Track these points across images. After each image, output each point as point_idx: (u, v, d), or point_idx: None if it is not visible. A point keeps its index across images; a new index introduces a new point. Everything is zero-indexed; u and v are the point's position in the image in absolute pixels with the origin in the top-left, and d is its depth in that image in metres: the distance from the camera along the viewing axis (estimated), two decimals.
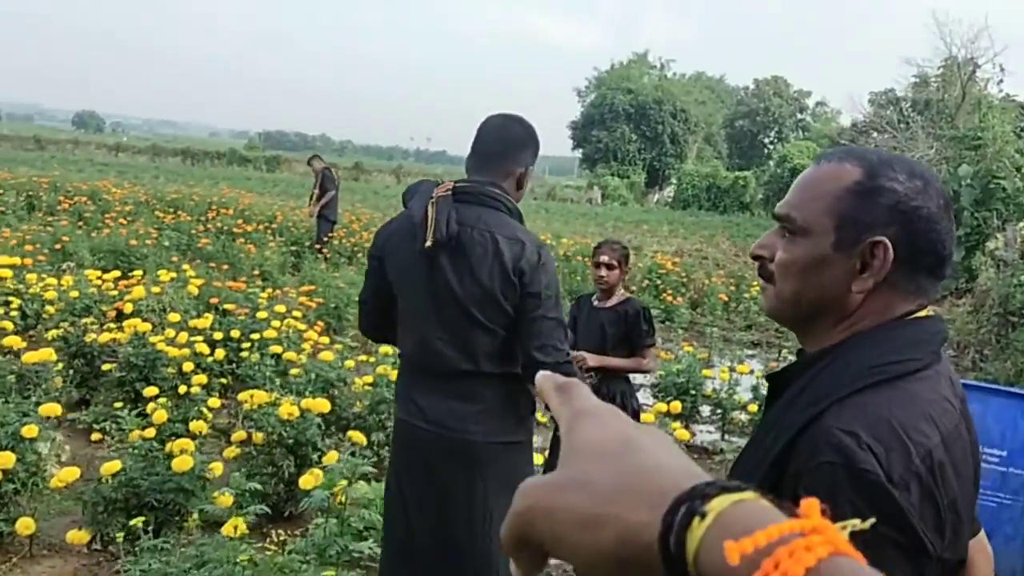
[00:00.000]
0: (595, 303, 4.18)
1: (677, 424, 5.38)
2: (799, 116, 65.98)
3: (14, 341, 4.99)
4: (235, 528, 3.00)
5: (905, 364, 1.13)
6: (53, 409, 3.90)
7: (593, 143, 51.10)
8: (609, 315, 4.09)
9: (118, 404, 5.11)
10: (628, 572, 0.45)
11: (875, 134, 31.85)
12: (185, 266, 8.13)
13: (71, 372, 5.71)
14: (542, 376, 0.58)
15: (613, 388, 3.99)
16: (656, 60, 60.69)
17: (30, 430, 3.67)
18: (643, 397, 7.64)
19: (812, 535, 0.39)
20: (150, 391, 4.72)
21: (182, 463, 3.51)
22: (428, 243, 2.42)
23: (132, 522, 3.12)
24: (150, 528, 3.59)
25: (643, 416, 5.36)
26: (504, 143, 2.55)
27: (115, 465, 3.51)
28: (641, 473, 0.46)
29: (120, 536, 3.21)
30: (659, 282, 12.78)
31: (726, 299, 12.65)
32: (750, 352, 10.54)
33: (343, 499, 3.54)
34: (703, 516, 0.42)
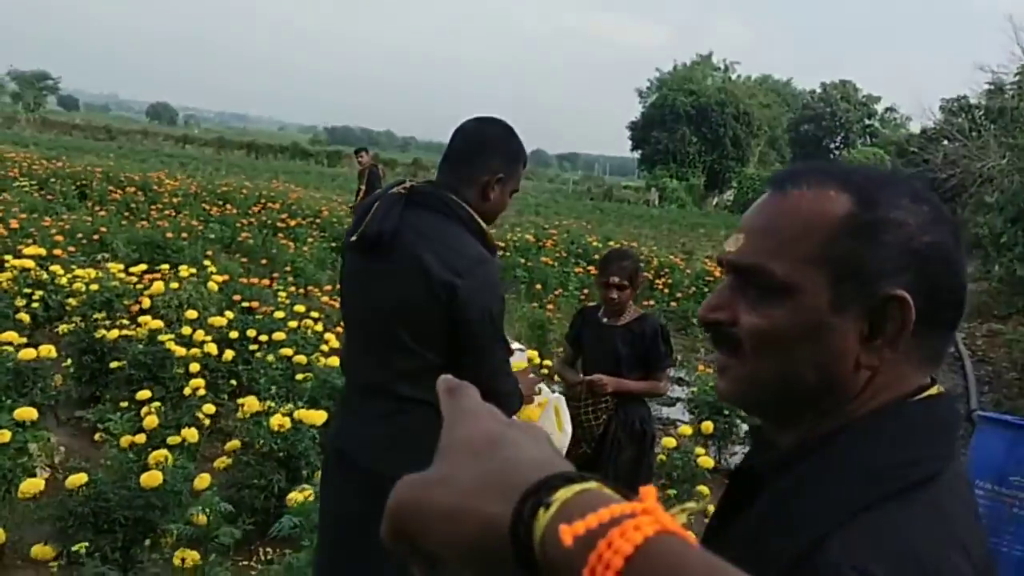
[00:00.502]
0: (605, 320, 3.77)
1: (702, 449, 5.00)
2: (867, 122, 64.12)
3: (11, 336, 4.85)
4: (182, 560, 2.74)
5: (924, 466, 0.82)
6: (27, 413, 3.72)
7: (653, 144, 50.38)
8: (624, 334, 3.69)
9: (124, 403, 4.97)
10: (489, 563, 0.47)
11: (945, 142, 30.74)
12: (207, 262, 7.98)
13: (80, 369, 5.59)
14: (440, 379, 0.61)
15: (631, 413, 3.64)
16: (720, 62, 59.56)
17: (2, 435, 3.49)
18: (677, 412, 7.30)
19: (642, 516, 0.42)
20: (143, 394, 4.53)
21: (151, 479, 3.29)
22: (353, 238, 2.19)
23: (76, 546, 2.89)
24: (117, 547, 3.41)
25: (668, 439, 5.02)
26: (471, 147, 2.28)
27: (81, 478, 3.31)
28: (501, 469, 0.49)
29: (80, 548, 2.99)
30: (706, 289, 12.31)
31: None
32: None
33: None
34: (548, 506, 0.45)
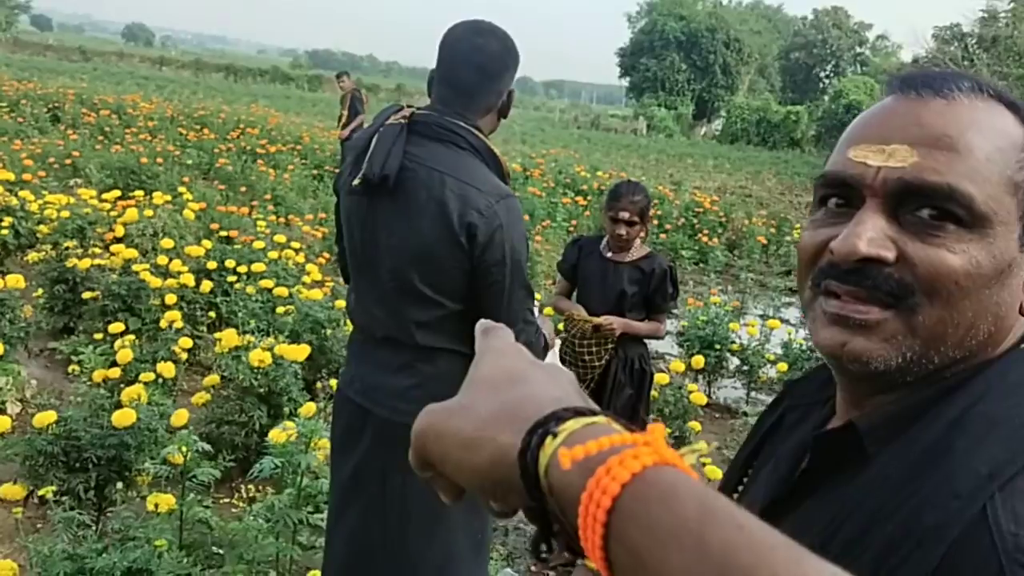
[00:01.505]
0: (609, 255, 3.50)
1: (694, 386, 4.90)
2: (858, 50, 63.22)
3: None
4: (155, 506, 2.60)
5: None
6: None
7: (641, 71, 49.54)
8: (631, 272, 3.45)
9: (98, 335, 4.79)
10: (500, 490, 0.49)
11: (936, 71, 30.31)
12: (182, 189, 7.71)
13: (51, 299, 5.39)
14: (479, 322, 0.64)
15: (631, 352, 3.47)
16: None
17: None
18: (666, 346, 7.19)
19: (642, 447, 0.43)
20: (116, 327, 4.36)
21: (124, 417, 3.13)
22: (355, 181, 1.95)
23: (43, 491, 2.74)
24: (90, 487, 3.27)
25: (661, 375, 4.90)
26: (481, 71, 2.01)
27: (49, 416, 3.14)
28: (518, 402, 0.50)
29: (47, 492, 2.84)
30: (695, 221, 12.16)
31: (765, 242, 11.99)
32: (787, 299, 9.96)
33: (307, 462, 3.16)
34: (555, 435, 0.46)
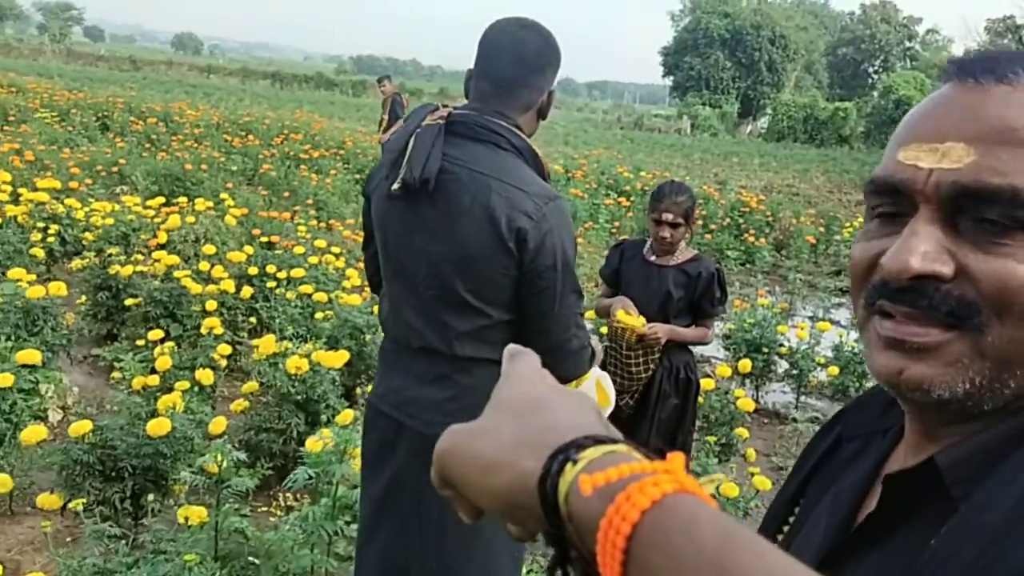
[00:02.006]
0: (652, 258, 3.35)
1: (741, 391, 4.75)
2: (907, 44, 61.86)
3: (20, 273, 4.66)
4: (186, 519, 2.56)
5: None
6: (31, 356, 3.53)
7: (685, 70, 49.09)
8: (676, 276, 3.29)
9: (140, 342, 4.81)
10: (519, 514, 0.50)
11: (999, 52, 29.55)
12: (224, 195, 7.75)
13: (95, 306, 5.43)
14: (507, 348, 0.64)
15: (677, 360, 3.32)
16: None
17: (3, 379, 3.31)
18: (712, 349, 7.04)
19: (662, 474, 0.43)
20: (155, 334, 4.35)
21: (158, 426, 3.10)
22: (394, 186, 1.85)
23: (73, 503, 2.71)
24: (126, 496, 3.25)
25: (706, 380, 4.76)
26: (522, 64, 1.92)
27: (85, 425, 3.12)
28: (539, 429, 0.51)
29: (77, 505, 2.80)
30: (741, 221, 11.93)
31: (814, 241, 11.72)
32: (837, 300, 9.72)
33: (342, 472, 3.10)
34: (575, 462, 0.46)
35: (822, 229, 12.51)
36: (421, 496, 2.01)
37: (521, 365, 0.60)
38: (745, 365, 5.42)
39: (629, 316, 3.21)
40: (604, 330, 3.49)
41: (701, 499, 0.43)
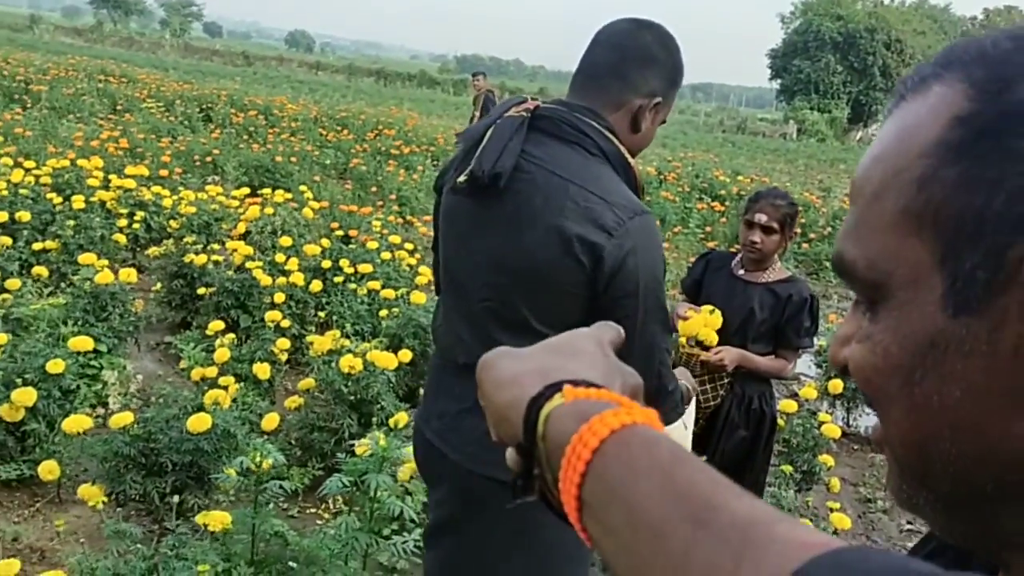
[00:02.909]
0: (740, 273, 3.00)
1: (827, 415, 4.39)
2: None
3: (90, 258, 4.68)
4: (219, 523, 2.43)
5: None
6: (83, 343, 3.49)
7: (793, 73, 47.63)
8: (765, 295, 2.94)
9: (210, 331, 4.78)
10: (505, 427, 0.57)
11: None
12: (302, 187, 7.73)
13: (170, 294, 5.45)
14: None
15: (750, 390, 2.96)
16: None
17: (55, 365, 3.27)
18: (801, 366, 6.63)
19: (637, 411, 0.48)
20: (216, 325, 4.29)
21: (198, 423, 2.99)
22: (460, 178, 1.64)
23: (92, 500, 2.61)
24: (166, 492, 3.17)
25: (788, 402, 4.42)
26: (621, 56, 1.68)
27: (126, 417, 3.05)
28: (556, 367, 0.56)
29: (96, 502, 2.71)
30: None
31: None
32: None
33: (380, 482, 2.94)
34: (564, 394, 0.51)
35: None
36: (461, 538, 1.80)
37: (596, 328, 0.65)
38: (836, 385, 5.02)
39: (694, 317, 2.83)
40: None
41: (664, 433, 0.47)
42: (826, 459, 4.07)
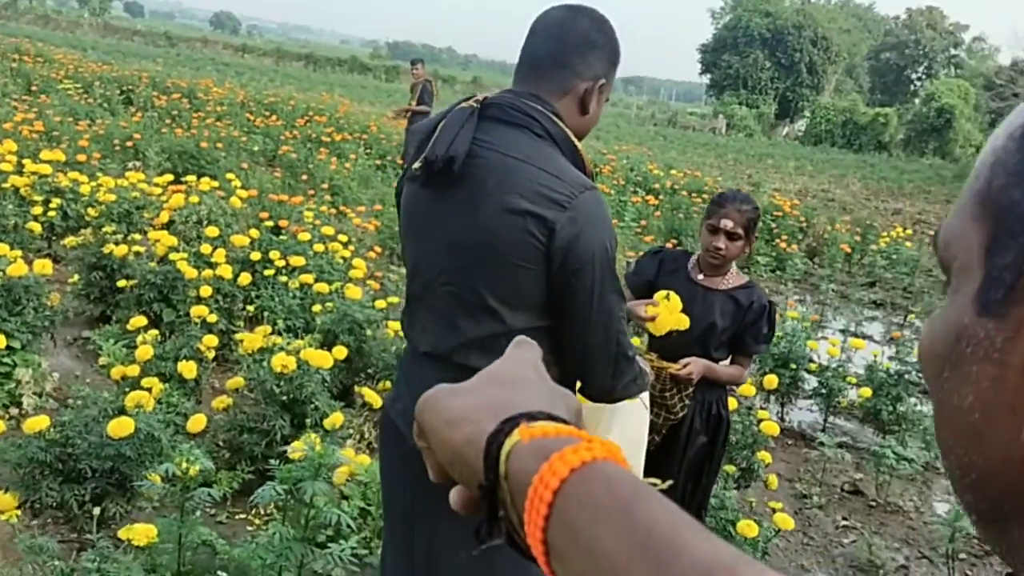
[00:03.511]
0: (700, 278, 2.89)
1: (766, 412, 4.39)
2: (952, 51, 60.70)
3: (2, 249, 4.40)
4: (144, 538, 2.26)
5: None
6: None
7: (723, 68, 48.34)
8: (726, 303, 2.84)
9: (131, 326, 4.55)
10: (465, 469, 0.54)
11: None
12: (229, 175, 7.46)
13: (88, 286, 5.17)
14: (516, 339, 0.66)
15: (710, 396, 2.91)
16: None
17: None
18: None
19: (596, 443, 0.47)
20: (138, 321, 4.07)
21: (119, 427, 2.81)
22: (415, 165, 1.69)
23: (5, 514, 2.42)
24: (85, 499, 2.98)
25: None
26: (561, 44, 1.71)
27: (41, 421, 2.84)
28: (506, 399, 0.55)
29: (11, 516, 2.51)
30: (774, 225, 11.48)
31: (849, 250, 11.27)
32: (870, 313, 9.30)
33: (316, 490, 2.80)
34: (521, 432, 0.50)
35: (858, 238, 12.05)
36: (414, 524, 1.82)
37: (521, 350, 0.64)
38: (771, 381, 5.04)
39: (660, 311, 2.59)
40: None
41: (625, 468, 0.46)
42: (764, 456, 4.06)
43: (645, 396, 2.20)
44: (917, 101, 48.98)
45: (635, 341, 2.82)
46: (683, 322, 2.60)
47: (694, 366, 2.76)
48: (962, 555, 3.80)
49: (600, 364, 1.70)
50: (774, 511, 3.20)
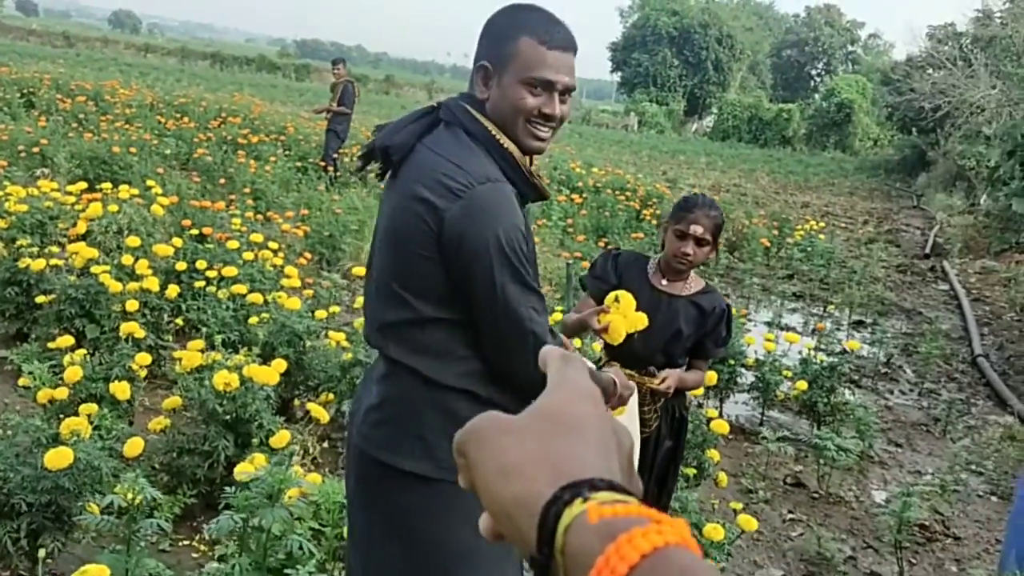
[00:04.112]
0: (660, 284, 2.81)
1: (714, 411, 4.44)
2: (850, 48, 63.04)
3: None
4: None
5: None
6: None
7: (633, 67, 49.03)
8: (689, 309, 2.78)
9: (52, 344, 4.29)
10: (513, 528, 0.50)
11: (931, 70, 30.13)
12: (150, 182, 7.17)
13: (3, 303, 4.88)
14: (547, 351, 0.62)
15: (674, 401, 2.87)
16: None
17: None
18: None
19: (666, 525, 0.44)
20: (64, 340, 3.85)
21: (58, 458, 2.63)
22: (358, 155, 1.87)
23: None
24: (20, 536, 2.78)
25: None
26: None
27: None
28: (565, 456, 0.51)
29: None
30: None
31: (768, 244, 11.55)
32: (792, 305, 9.55)
33: (273, 517, 2.67)
34: (585, 500, 0.46)
35: (775, 232, 12.35)
36: (352, 524, 1.87)
37: (573, 374, 0.59)
38: (711, 377, 5.10)
39: (613, 317, 2.41)
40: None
41: (699, 556, 0.44)
42: (713, 454, 4.10)
43: (634, 404, 2.15)
44: (817, 96, 50.73)
45: (596, 347, 2.77)
46: (639, 322, 2.47)
47: (671, 379, 2.70)
48: (905, 544, 3.90)
49: (517, 356, 1.67)
50: (735, 512, 3.22)
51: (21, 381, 4.21)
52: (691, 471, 3.58)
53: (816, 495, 4.66)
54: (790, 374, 5.59)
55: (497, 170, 1.69)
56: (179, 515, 3.44)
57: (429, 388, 1.70)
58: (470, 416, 1.66)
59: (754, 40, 55.29)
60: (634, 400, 2.16)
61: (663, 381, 2.69)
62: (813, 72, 62.88)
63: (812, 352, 5.64)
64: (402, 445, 1.71)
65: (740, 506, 3.30)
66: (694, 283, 2.85)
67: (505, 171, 1.70)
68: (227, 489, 2.73)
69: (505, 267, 1.63)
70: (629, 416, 2.10)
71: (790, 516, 4.36)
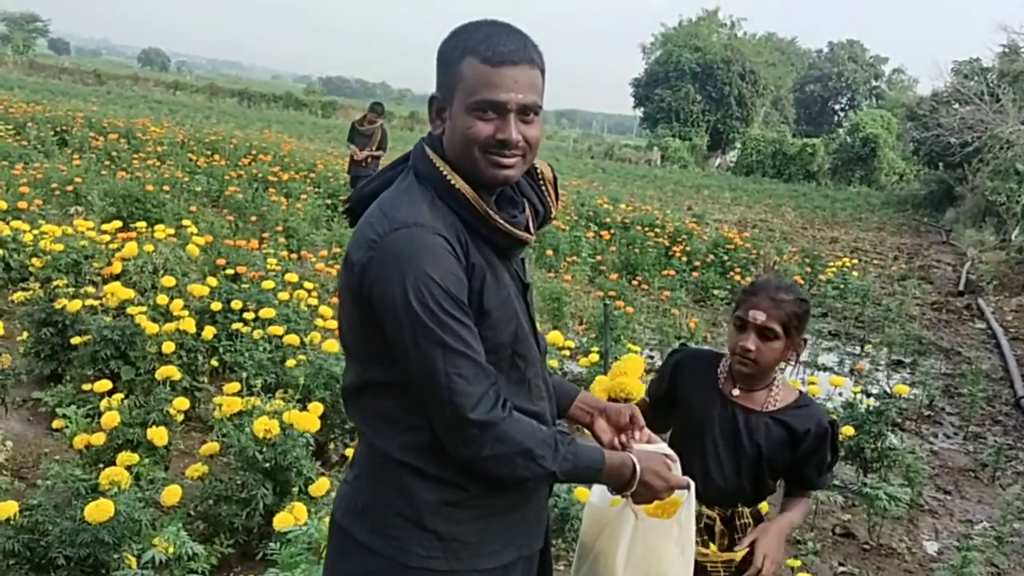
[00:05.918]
0: (734, 394, 2.25)
1: None
2: (873, 83, 62.98)
3: None
4: None
5: None
6: None
7: (656, 102, 49.15)
8: (773, 429, 2.21)
9: (88, 385, 4.26)
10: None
11: (957, 105, 29.91)
12: (186, 221, 7.17)
13: (37, 344, 4.85)
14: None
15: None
16: (727, 18, 57.74)
17: None
18: None
19: None
20: (102, 385, 3.80)
21: (99, 511, 2.56)
22: (342, 210, 1.88)
23: None
24: None
25: None
26: None
27: (9, 507, 2.58)
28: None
29: None
30: (726, 258, 11.56)
31: (802, 281, 11.40)
32: (827, 344, 9.37)
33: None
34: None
35: (808, 268, 12.20)
36: None
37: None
38: None
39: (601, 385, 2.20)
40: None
41: None
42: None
43: (690, 503, 1.79)
44: (842, 131, 50.56)
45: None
46: (635, 387, 2.22)
47: (771, 552, 2.14)
48: None
49: (441, 427, 1.46)
50: (792, 570, 3.09)
51: (55, 423, 4.18)
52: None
53: (867, 546, 4.50)
54: (836, 417, 5.44)
55: (433, 215, 1.47)
56: (215, 565, 3.36)
57: (381, 459, 1.55)
58: (424, 494, 1.55)
59: (777, 75, 55.33)
60: (690, 514, 1.80)
61: (763, 559, 2.14)
62: (837, 107, 62.85)
63: (858, 396, 5.49)
64: (379, 521, 1.55)
65: (798, 563, 3.17)
66: (782, 393, 2.26)
67: (459, 214, 1.50)
68: (265, 540, 2.66)
69: (418, 326, 1.42)
70: (684, 528, 1.80)
71: (842, 569, 4.21)
